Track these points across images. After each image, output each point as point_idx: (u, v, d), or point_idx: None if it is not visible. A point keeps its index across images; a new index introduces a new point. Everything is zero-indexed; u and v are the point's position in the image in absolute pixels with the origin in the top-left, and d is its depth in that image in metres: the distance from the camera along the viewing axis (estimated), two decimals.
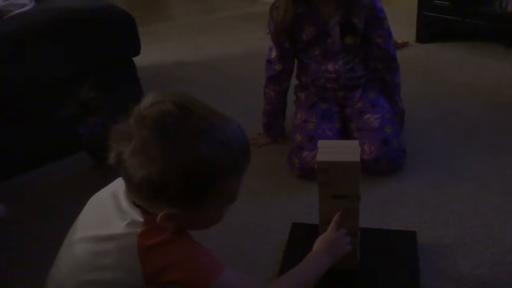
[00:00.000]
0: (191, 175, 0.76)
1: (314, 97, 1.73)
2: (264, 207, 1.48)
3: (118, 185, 0.88)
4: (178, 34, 3.23)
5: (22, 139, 1.71)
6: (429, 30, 2.62)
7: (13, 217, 1.52)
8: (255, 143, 1.79)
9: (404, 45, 2.60)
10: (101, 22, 1.80)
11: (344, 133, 1.69)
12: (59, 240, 0.92)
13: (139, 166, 0.76)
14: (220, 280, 0.82)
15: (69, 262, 0.86)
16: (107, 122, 1.55)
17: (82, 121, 1.64)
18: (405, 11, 2.92)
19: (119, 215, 0.83)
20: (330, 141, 1.31)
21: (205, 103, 0.81)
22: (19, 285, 1.27)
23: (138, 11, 3.08)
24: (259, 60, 1.89)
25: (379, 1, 1.62)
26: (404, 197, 1.47)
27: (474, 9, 2.37)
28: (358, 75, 1.69)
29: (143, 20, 2.86)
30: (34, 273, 1.16)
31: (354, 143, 1.08)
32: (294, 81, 1.81)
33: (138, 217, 0.81)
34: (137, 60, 1.97)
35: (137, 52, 1.93)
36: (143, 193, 0.80)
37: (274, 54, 1.70)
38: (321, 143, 1.09)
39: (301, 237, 1.28)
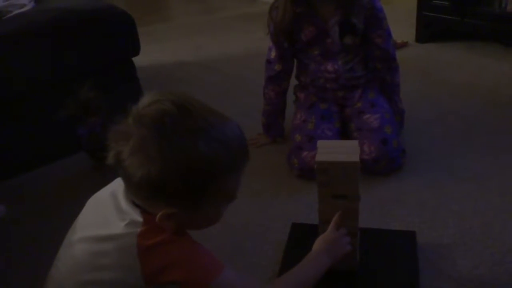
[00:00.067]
0: (190, 174, 0.76)
1: (314, 97, 1.73)
2: (264, 207, 1.48)
3: (117, 185, 0.88)
4: (178, 34, 3.23)
5: (22, 139, 1.71)
6: (429, 30, 2.62)
7: (13, 217, 1.52)
8: (254, 143, 1.79)
9: (404, 45, 2.60)
10: (101, 22, 1.80)
11: (343, 133, 1.69)
12: (59, 240, 0.92)
13: (138, 165, 0.76)
14: (220, 280, 0.82)
15: (69, 262, 0.86)
16: (107, 122, 1.55)
17: (81, 121, 1.64)
18: (404, 11, 2.92)
19: (119, 215, 0.83)
20: (329, 141, 1.30)
21: (203, 103, 0.82)
22: (19, 285, 1.27)
23: (138, 11, 3.07)
24: (259, 60, 1.89)
25: (379, 1, 1.62)
26: (403, 197, 1.47)
27: (474, 9, 2.37)
28: (357, 75, 1.69)
29: (143, 21, 2.87)
30: (34, 273, 1.16)
31: (354, 143, 1.08)
32: (293, 81, 1.81)
33: (138, 217, 0.81)
34: (137, 60, 1.97)
35: (136, 52, 1.93)
36: (142, 192, 0.80)
37: (273, 54, 1.70)
38: (320, 143, 1.09)
39: (301, 237, 1.28)
